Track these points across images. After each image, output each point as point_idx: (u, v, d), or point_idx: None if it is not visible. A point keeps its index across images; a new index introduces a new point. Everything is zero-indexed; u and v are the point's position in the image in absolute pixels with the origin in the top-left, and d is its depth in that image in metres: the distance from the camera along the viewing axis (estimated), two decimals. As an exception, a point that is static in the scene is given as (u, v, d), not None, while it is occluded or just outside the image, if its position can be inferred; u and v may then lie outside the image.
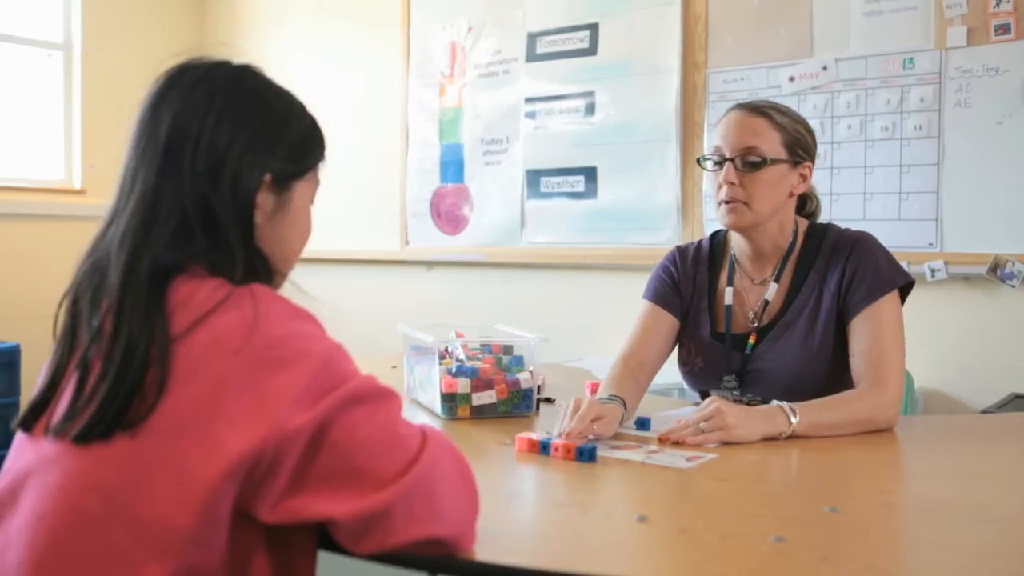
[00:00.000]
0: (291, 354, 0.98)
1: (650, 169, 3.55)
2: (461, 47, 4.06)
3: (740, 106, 1.87)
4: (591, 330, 3.63)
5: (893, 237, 3.02)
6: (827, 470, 1.45)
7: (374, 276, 4.36)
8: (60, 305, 1.07)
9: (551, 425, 1.71)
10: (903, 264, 2.92)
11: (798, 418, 1.61)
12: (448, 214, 4.13)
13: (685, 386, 2.09)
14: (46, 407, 1.04)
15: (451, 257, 4.10)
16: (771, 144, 1.81)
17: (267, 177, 1.10)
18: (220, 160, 1.06)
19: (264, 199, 1.10)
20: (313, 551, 1.07)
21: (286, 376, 0.97)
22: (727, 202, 1.81)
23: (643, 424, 1.70)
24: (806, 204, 1.98)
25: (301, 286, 1.19)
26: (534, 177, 3.86)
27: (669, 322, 1.98)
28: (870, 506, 1.22)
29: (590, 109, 3.70)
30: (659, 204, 3.53)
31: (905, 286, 1.84)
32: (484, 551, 1.02)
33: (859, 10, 3.11)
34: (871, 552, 1.03)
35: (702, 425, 1.58)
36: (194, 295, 1.01)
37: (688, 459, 1.47)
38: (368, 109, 4.37)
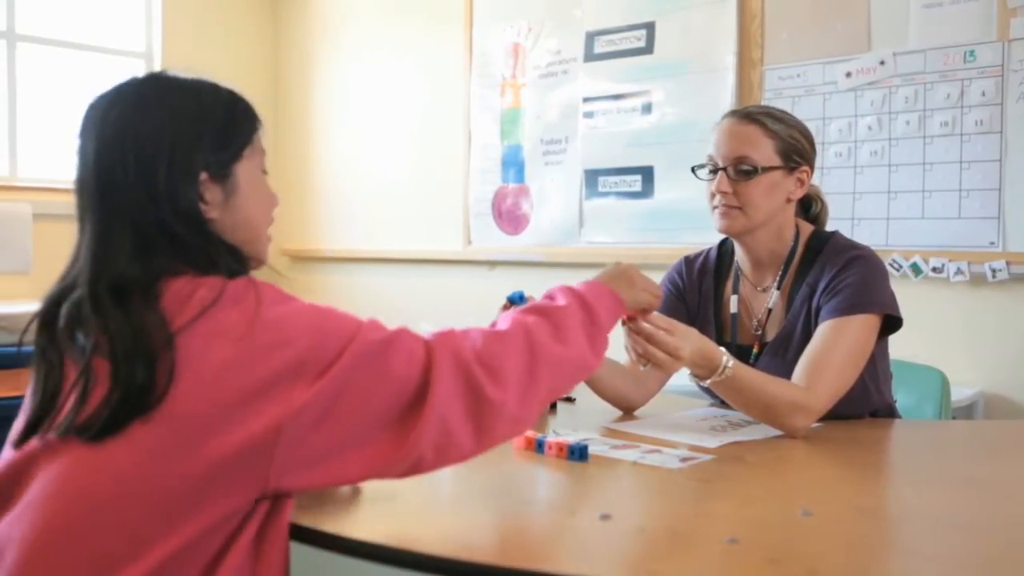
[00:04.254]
0: (288, 335, 1.04)
1: (706, 168, 3.51)
2: (522, 48, 4.08)
3: (733, 113, 1.85)
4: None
5: (953, 236, 2.94)
6: (821, 472, 1.43)
7: (437, 276, 4.42)
8: (25, 330, 1.13)
9: (560, 424, 1.72)
10: (962, 264, 2.87)
11: (731, 369, 1.58)
12: (509, 214, 4.16)
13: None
14: (44, 424, 1.08)
15: (512, 257, 4.13)
16: (764, 152, 1.77)
17: (203, 176, 1.12)
18: (151, 179, 1.09)
19: (211, 194, 1.13)
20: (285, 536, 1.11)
21: (285, 356, 1.02)
22: (720, 207, 1.80)
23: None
24: (811, 207, 1.94)
25: (280, 273, 1.23)
26: (592, 177, 3.86)
27: None
28: (846, 510, 1.20)
29: (647, 108, 3.68)
30: (715, 203, 3.48)
31: (892, 320, 1.74)
32: (432, 544, 1.04)
33: (918, 2, 3.01)
34: (820, 557, 1.02)
35: (660, 356, 1.54)
36: (194, 293, 1.06)
37: (682, 460, 1.46)
38: (432, 111, 4.44)
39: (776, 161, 1.78)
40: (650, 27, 3.66)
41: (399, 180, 4.57)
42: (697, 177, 1.86)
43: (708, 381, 1.61)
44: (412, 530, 1.12)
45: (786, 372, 1.70)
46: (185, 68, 1.20)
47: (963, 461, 1.53)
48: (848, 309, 1.69)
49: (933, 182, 2.99)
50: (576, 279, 4.46)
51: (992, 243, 2.88)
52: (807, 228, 1.89)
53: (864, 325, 1.70)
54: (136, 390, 1.01)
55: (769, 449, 1.54)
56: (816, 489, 1.33)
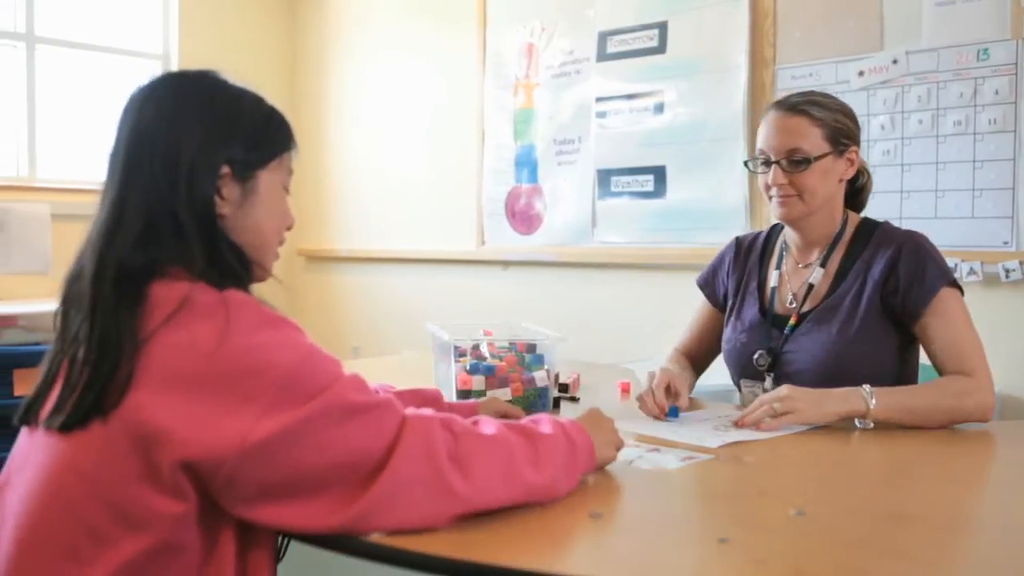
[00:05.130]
0: (260, 365, 1.03)
1: (718, 167, 3.51)
2: (535, 48, 4.09)
3: (778, 105, 1.88)
4: (660, 329, 3.61)
5: (966, 236, 2.92)
6: (820, 473, 1.42)
7: (451, 275, 4.44)
8: (55, 324, 1.16)
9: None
10: (976, 264, 2.86)
11: (876, 401, 1.63)
12: (522, 214, 4.17)
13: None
14: (41, 403, 1.12)
15: (525, 257, 4.14)
16: (813, 141, 1.81)
17: (224, 169, 1.15)
18: (174, 161, 1.12)
19: (228, 190, 1.16)
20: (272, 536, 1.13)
21: (252, 386, 1.02)
22: (778, 196, 1.84)
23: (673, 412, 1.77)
24: (857, 179, 1.96)
25: (280, 280, 1.24)
26: (605, 177, 3.86)
27: (710, 311, 2.11)
28: (840, 511, 1.19)
29: (659, 108, 3.68)
30: (728, 203, 3.48)
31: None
32: (430, 544, 1.05)
33: (931, 0, 2.99)
34: (807, 556, 1.02)
35: (775, 406, 1.63)
36: (168, 297, 1.07)
37: (682, 459, 1.46)
38: (446, 111, 4.46)
39: (826, 148, 1.82)
40: (662, 27, 3.66)
41: (413, 180, 4.59)
42: (750, 171, 1.92)
43: (872, 405, 1.63)
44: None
45: (828, 342, 1.80)
46: (233, 73, 1.23)
47: (965, 461, 1.52)
48: (933, 289, 1.75)
49: (946, 181, 2.97)
50: (589, 279, 4.46)
51: (1006, 243, 2.86)
52: (855, 217, 1.94)
53: (954, 296, 1.77)
54: (97, 389, 1.03)
55: (769, 449, 1.54)
56: (813, 489, 1.33)
